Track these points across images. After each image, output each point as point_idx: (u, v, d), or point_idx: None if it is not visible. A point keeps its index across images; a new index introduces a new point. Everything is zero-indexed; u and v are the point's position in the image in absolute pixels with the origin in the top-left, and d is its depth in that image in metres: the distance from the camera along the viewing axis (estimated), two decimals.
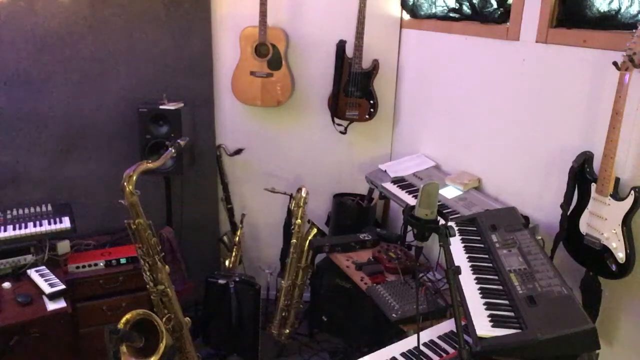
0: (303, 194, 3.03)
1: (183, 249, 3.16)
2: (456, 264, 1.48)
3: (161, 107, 2.96)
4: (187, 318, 2.34)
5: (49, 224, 2.75)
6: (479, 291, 1.80)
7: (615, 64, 1.83)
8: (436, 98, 3.12)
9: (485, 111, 2.70)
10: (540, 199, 2.37)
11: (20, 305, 2.43)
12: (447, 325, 1.88)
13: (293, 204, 3.05)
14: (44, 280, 2.56)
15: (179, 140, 2.23)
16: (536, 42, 2.32)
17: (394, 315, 2.22)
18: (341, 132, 3.44)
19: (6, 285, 2.57)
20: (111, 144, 3.12)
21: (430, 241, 1.58)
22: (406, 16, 3.37)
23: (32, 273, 2.62)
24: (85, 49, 2.94)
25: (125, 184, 2.03)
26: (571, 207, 2.09)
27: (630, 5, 1.93)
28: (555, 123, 2.28)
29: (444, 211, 2.49)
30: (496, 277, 1.86)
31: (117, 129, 3.10)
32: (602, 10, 2.04)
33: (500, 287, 1.81)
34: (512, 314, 1.67)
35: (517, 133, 2.49)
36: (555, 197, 2.20)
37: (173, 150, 2.17)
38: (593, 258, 1.98)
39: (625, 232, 1.86)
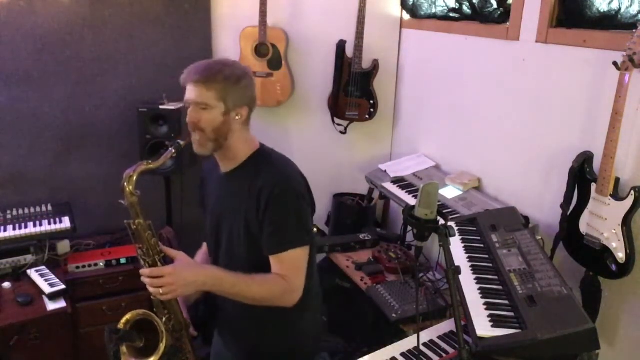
0: None
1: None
2: (456, 264, 1.47)
3: (161, 107, 2.96)
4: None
5: (49, 224, 2.75)
6: (479, 291, 1.80)
7: (615, 64, 1.83)
8: (436, 98, 3.12)
9: (485, 111, 2.70)
10: (540, 199, 2.37)
11: (20, 305, 2.43)
12: (447, 325, 1.88)
13: None
14: (44, 280, 2.56)
15: (179, 140, 2.21)
16: (536, 42, 2.32)
17: (393, 315, 2.22)
18: (341, 132, 3.43)
19: (6, 285, 2.57)
20: (111, 144, 3.11)
21: (430, 241, 1.58)
22: (406, 16, 3.37)
23: (32, 273, 2.62)
24: (85, 49, 2.94)
25: (125, 184, 2.02)
26: (571, 207, 2.09)
27: (630, 5, 1.94)
28: (555, 123, 2.27)
29: (444, 211, 2.48)
30: (496, 277, 1.86)
31: (117, 129, 3.09)
32: (602, 10, 2.04)
33: (500, 287, 1.81)
34: (512, 314, 1.67)
35: (517, 133, 2.49)
36: (555, 197, 2.20)
37: (173, 150, 2.16)
38: (593, 258, 1.99)
39: (625, 232, 1.86)
